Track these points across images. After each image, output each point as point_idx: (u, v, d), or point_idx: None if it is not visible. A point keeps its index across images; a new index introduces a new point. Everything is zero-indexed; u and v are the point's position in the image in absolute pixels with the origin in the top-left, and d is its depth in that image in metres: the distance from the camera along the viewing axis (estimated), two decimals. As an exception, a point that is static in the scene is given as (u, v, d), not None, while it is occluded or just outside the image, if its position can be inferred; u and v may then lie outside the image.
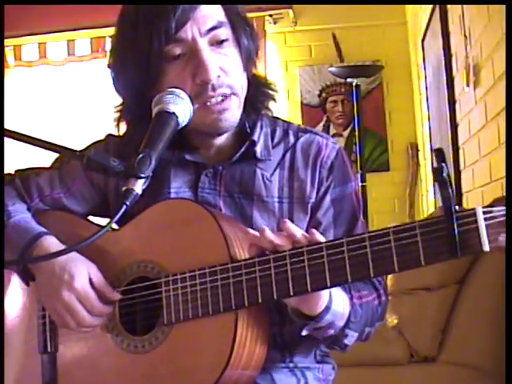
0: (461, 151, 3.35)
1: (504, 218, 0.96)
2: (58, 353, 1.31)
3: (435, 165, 0.99)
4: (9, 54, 5.07)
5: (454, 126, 3.41)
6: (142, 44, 1.21)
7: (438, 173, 0.98)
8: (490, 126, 2.64)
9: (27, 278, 1.32)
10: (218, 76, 1.23)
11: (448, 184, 0.98)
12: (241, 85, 1.27)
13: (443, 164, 0.98)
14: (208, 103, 1.23)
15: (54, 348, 1.31)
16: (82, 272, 1.24)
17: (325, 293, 1.14)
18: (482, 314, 2.39)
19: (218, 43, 1.24)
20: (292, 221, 1.31)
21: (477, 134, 2.91)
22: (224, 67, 1.24)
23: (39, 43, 5.05)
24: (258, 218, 1.31)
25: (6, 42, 4.93)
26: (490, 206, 0.98)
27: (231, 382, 1.15)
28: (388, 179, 4.78)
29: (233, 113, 1.25)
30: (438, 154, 0.99)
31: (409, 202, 4.70)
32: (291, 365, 1.34)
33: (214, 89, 1.23)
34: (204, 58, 1.21)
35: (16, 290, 1.40)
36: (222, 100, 1.24)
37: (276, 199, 1.32)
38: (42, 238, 1.29)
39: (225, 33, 1.25)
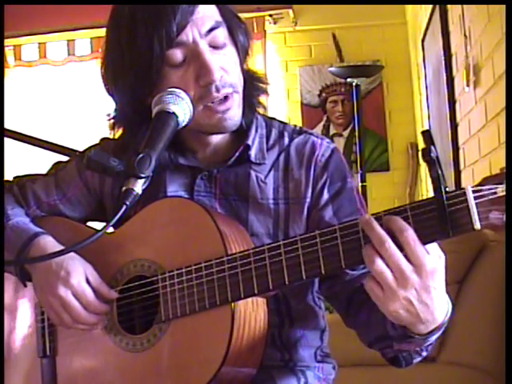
0: (461, 151, 3.35)
1: (494, 196, 0.97)
2: (57, 356, 1.31)
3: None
4: (9, 54, 5.08)
5: (454, 126, 3.41)
6: (142, 49, 1.20)
7: (426, 153, 0.99)
8: (490, 126, 2.64)
9: (25, 278, 1.32)
10: (221, 76, 1.23)
11: (436, 164, 0.99)
12: (240, 82, 1.28)
13: (431, 145, 0.99)
14: (211, 104, 1.23)
15: (54, 352, 1.31)
16: (79, 269, 1.25)
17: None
18: (482, 313, 2.38)
19: (217, 46, 1.24)
20: (288, 222, 1.31)
21: (477, 133, 2.91)
22: (224, 66, 1.24)
23: (39, 43, 5.05)
24: (254, 219, 1.31)
25: (6, 42, 4.93)
26: (480, 184, 0.98)
27: (229, 377, 1.15)
28: (388, 179, 4.78)
29: (235, 111, 1.26)
30: (426, 135, 1.00)
31: (409, 201, 4.68)
32: (291, 364, 1.34)
33: (217, 89, 1.22)
34: (206, 59, 1.21)
35: (15, 294, 1.40)
36: (225, 98, 1.24)
37: (271, 201, 1.32)
38: (38, 237, 1.30)
39: (222, 33, 1.25)
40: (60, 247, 1.29)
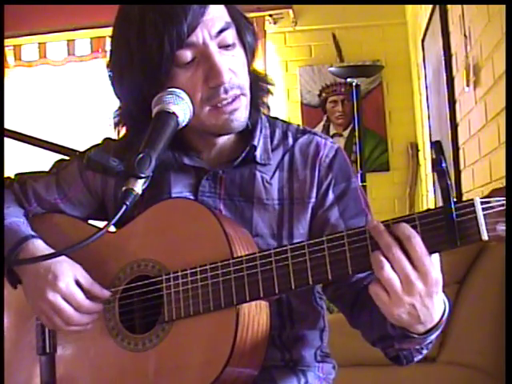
0: (461, 151, 3.35)
1: (502, 208, 0.97)
2: (56, 354, 1.31)
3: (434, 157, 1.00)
4: (9, 54, 5.07)
5: (454, 126, 3.41)
6: (151, 49, 1.19)
7: (436, 164, 1.00)
8: (490, 125, 2.64)
9: (14, 281, 1.31)
10: (230, 78, 1.22)
11: (446, 174, 0.99)
12: (248, 84, 1.27)
13: (441, 156, 0.99)
14: (219, 105, 1.23)
15: (53, 349, 1.31)
16: (66, 272, 1.24)
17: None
18: (481, 314, 2.38)
19: (227, 47, 1.23)
20: (292, 222, 1.31)
21: (477, 134, 2.91)
22: (233, 68, 1.24)
23: (39, 43, 5.05)
24: (259, 220, 1.31)
25: (6, 42, 4.93)
26: (488, 196, 0.99)
27: (231, 378, 1.15)
28: (388, 179, 4.78)
29: (242, 112, 1.25)
30: (436, 145, 1.00)
31: (409, 201, 4.70)
32: (291, 364, 1.34)
33: (226, 91, 1.22)
34: (216, 61, 1.21)
35: (13, 292, 1.39)
36: (233, 100, 1.23)
37: (276, 201, 1.31)
38: (28, 241, 1.29)
39: (232, 35, 1.24)
40: (50, 251, 1.27)
